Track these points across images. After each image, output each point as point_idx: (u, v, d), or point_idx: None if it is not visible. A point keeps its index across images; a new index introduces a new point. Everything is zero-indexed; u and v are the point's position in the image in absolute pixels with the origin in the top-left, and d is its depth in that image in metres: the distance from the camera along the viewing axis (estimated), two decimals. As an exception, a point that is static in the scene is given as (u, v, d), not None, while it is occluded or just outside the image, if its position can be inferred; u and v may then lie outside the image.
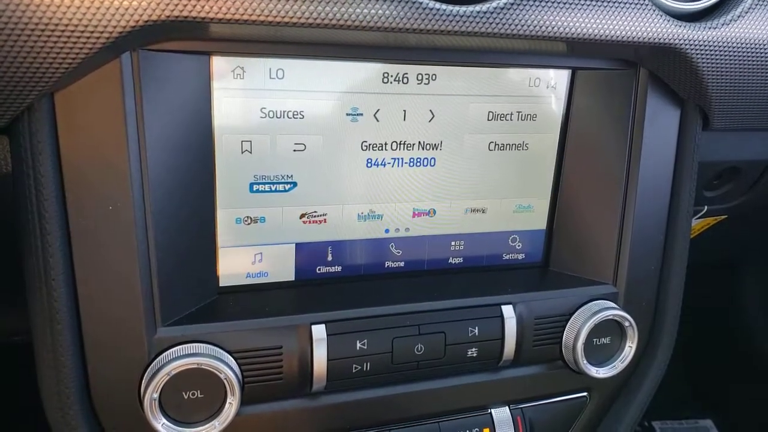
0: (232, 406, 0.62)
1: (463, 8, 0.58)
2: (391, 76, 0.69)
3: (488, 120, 0.75)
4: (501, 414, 0.76)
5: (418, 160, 0.73)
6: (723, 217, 1.00)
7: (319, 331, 0.66)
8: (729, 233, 1.41)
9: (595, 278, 0.79)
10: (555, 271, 0.82)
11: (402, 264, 0.77)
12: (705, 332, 2.17)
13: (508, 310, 0.73)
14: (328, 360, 0.66)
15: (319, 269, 0.74)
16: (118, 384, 0.61)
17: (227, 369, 0.61)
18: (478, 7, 0.58)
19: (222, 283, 0.70)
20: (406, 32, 0.57)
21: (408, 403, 0.72)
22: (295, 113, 0.67)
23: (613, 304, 0.77)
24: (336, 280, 0.74)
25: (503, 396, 0.76)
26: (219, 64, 0.62)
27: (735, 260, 1.95)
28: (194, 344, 0.62)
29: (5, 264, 0.67)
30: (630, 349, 0.77)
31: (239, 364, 0.63)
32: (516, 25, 0.60)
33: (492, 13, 0.59)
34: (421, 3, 0.56)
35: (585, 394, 0.81)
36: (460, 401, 0.74)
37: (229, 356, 0.63)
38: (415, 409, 0.73)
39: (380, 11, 0.55)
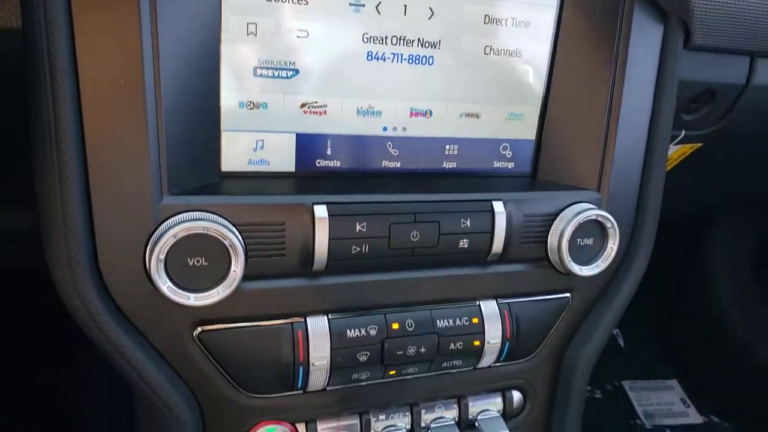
0: (236, 274, 0.64)
1: None
2: (394, -31, 0.71)
3: (485, 23, 0.78)
4: (489, 306, 0.79)
5: (417, 57, 0.76)
6: (698, 145, 1.05)
7: (320, 211, 0.68)
8: (701, 184, 1.47)
9: (581, 185, 0.83)
10: (543, 180, 0.86)
11: (398, 164, 0.80)
12: (675, 299, 2.26)
13: (498, 206, 0.76)
14: (330, 239, 0.68)
15: (319, 162, 0.76)
16: (125, 248, 0.63)
17: (232, 236, 0.63)
18: None
19: (224, 167, 0.72)
20: None
21: (402, 289, 0.75)
22: (301, -2, 0.69)
23: (596, 207, 0.80)
24: (335, 174, 0.77)
25: (491, 290, 0.79)
26: (229, -59, 0.64)
27: (704, 220, 2.02)
28: (199, 212, 0.63)
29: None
30: (611, 249, 0.81)
31: (243, 237, 0.65)
32: None
33: None
34: None
35: (568, 294, 0.85)
36: (450, 291, 0.77)
37: (234, 227, 0.65)
38: (408, 296, 0.75)
39: None
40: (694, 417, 2.19)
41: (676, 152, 1.07)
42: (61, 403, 1.63)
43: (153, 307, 0.65)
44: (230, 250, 0.63)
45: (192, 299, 0.63)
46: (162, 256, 0.62)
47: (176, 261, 0.63)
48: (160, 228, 0.62)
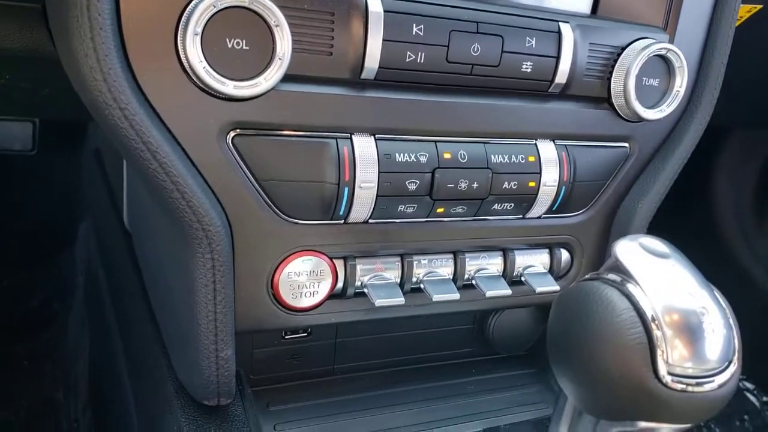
0: (281, 62, 0.55)
1: None
2: None
3: None
4: (546, 147, 0.72)
5: None
6: (759, 7, 0.98)
7: (375, 4, 0.59)
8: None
9: (646, 23, 0.76)
10: (603, 17, 0.78)
11: None
12: (679, 224, 2.22)
13: (566, 28, 0.68)
14: (383, 40, 0.60)
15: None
16: (157, 24, 0.53)
17: (279, 14, 0.54)
18: None
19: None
20: None
21: (456, 116, 0.67)
22: None
23: (665, 42, 0.73)
24: None
25: (549, 129, 0.72)
26: None
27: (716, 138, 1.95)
28: None
29: None
30: (678, 91, 0.74)
31: (289, 24, 0.56)
32: None
33: None
34: None
35: (627, 145, 0.78)
36: (507, 125, 0.70)
37: (278, 9, 0.55)
38: (463, 124, 0.67)
39: None
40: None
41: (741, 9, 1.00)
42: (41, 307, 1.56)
43: (186, 102, 0.56)
44: (275, 31, 0.54)
45: (231, 87, 0.55)
46: (199, 30, 0.52)
47: (214, 40, 0.53)
48: None
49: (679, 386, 0.40)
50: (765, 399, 2.02)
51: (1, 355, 1.42)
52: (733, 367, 0.41)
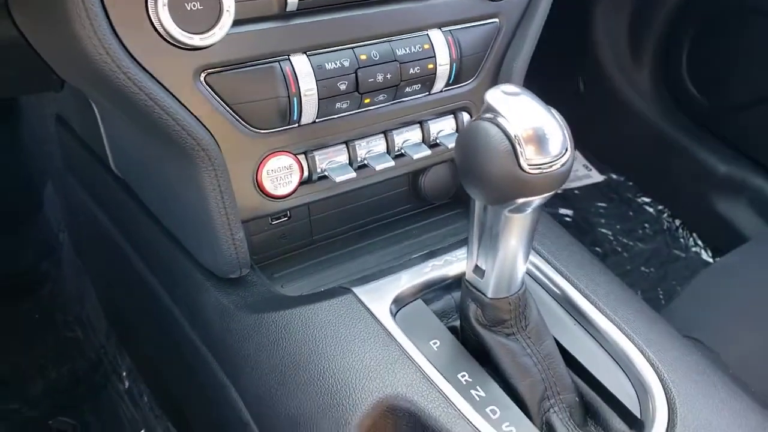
0: (229, 13, 0.74)
1: None
2: None
3: None
4: (436, 35, 0.94)
5: None
6: None
7: None
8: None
9: None
10: None
11: None
12: (566, 72, 2.52)
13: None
14: None
15: None
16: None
17: None
18: None
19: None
20: None
21: (364, 25, 0.88)
22: None
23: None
24: None
25: (436, 19, 0.94)
26: None
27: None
28: None
29: None
30: (525, -29, 0.97)
31: None
32: None
33: None
34: None
35: (496, 20, 1.00)
36: (405, 23, 0.91)
37: None
38: (370, 30, 0.88)
39: None
40: (596, 177, 2.55)
41: None
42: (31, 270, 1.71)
43: (166, 57, 0.74)
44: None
45: (197, 39, 0.73)
46: (166, 1, 0.70)
47: (177, 6, 0.72)
48: None
49: (536, 171, 0.65)
50: (660, 207, 2.42)
51: (8, 314, 1.59)
52: (568, 154, 0.67)
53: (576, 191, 2.48)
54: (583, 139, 2.61)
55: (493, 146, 0.66)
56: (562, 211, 2.41)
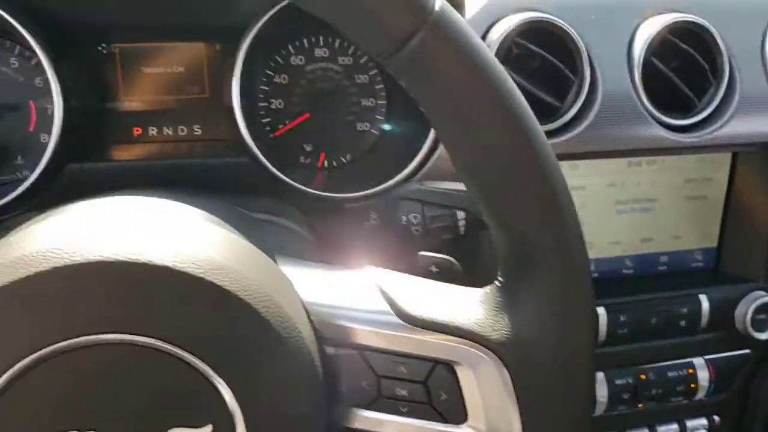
0: None
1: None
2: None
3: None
4: (698, 362, 1.22)
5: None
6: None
7: None
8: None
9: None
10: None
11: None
12: None
13: (703, 298, 1.19)
14: None
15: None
16: None
17: None
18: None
19: None
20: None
21: None
22: None
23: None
24: None
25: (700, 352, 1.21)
26: None
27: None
28: None
29: None
30: (782, 322, 1.22)
31: None
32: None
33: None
34: None
35: (748, 350, 1.25)
36: (666, 355, 1.20)
37: None
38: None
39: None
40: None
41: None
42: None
43: None
44: None
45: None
46: None
47: None
48: None
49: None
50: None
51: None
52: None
53: None
54: None
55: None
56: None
